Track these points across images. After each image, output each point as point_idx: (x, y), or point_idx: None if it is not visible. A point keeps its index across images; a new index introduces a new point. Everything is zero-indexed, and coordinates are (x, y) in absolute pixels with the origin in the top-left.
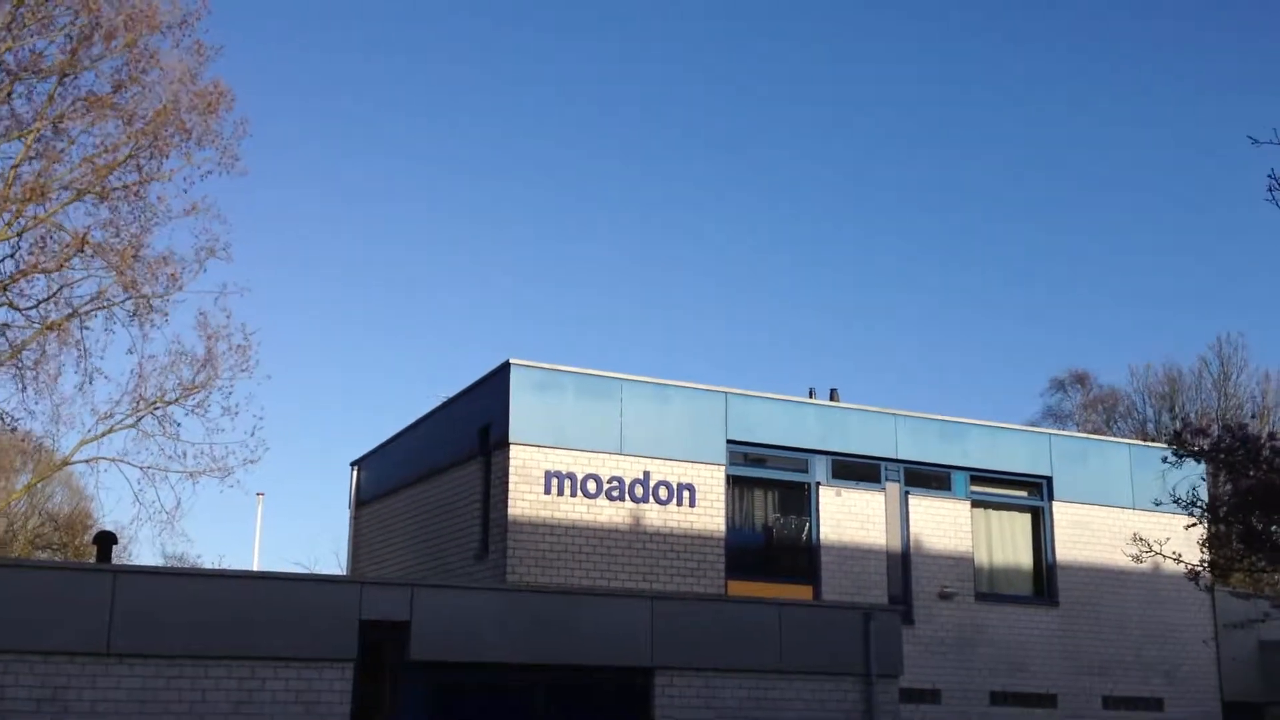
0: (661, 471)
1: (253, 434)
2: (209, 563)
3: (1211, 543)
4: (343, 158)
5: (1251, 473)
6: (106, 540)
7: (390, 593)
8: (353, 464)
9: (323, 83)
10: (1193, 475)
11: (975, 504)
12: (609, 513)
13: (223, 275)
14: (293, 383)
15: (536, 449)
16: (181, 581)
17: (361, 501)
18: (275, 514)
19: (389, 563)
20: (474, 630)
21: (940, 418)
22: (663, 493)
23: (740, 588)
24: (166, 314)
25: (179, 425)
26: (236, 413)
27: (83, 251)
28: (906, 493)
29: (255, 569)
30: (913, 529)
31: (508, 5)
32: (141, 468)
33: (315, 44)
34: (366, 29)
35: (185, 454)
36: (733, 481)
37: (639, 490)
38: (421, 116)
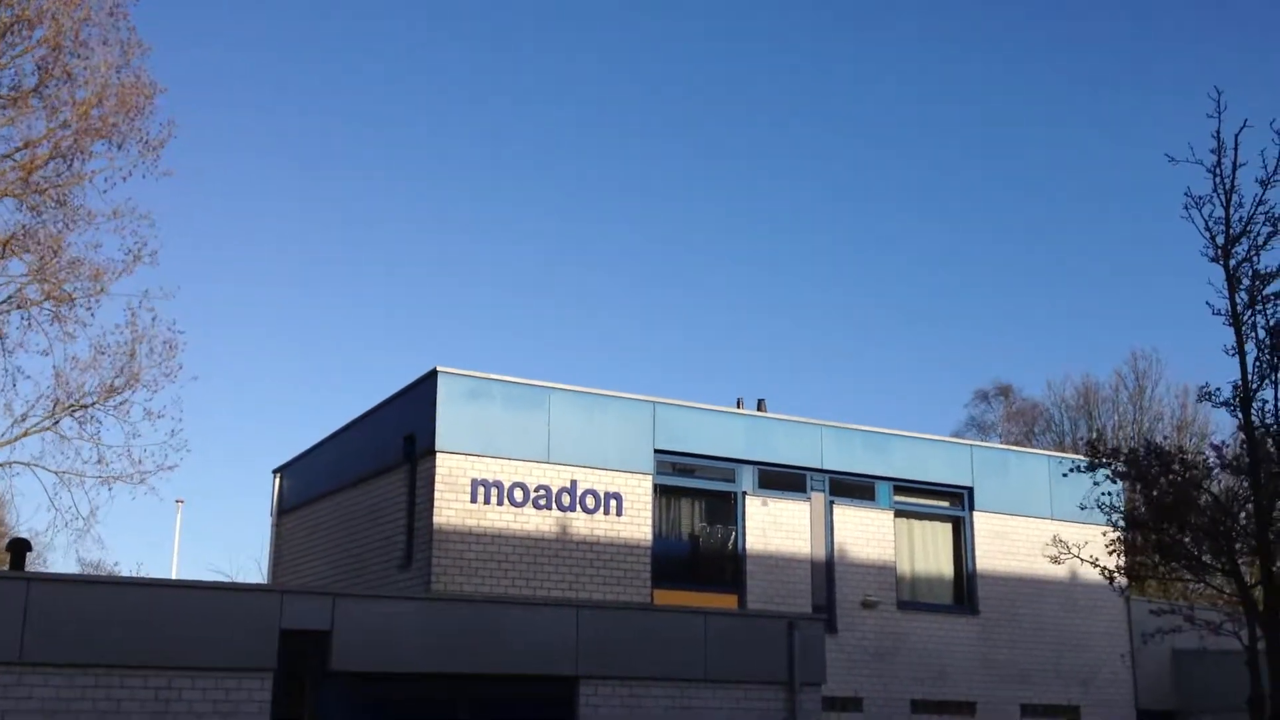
0: (589, 480)
1: (171, 436)
2: (127, 571)
3: (1127, 548)
4: (266, 160)
5: (1164, 481)
6: (20, 547)
7: (311, 602)
8: (275, 471)
9: (250, 84)
10: (1108, 485)
11: (899, 514)
12: (535, 521)
13: (147, 278)
14: (214, 388)
15: (463, 457)
16: (97, 589)
17: (283, 509)
18: (195, 521)
19: (311, 572)
20: (396, 640)
21: (865, 429)
22: (590, 501)
23: (666, 596)
24: (89, 319)
25: (100, 425)
26: (160, 415)
27: (3, 256)
28: (831, 502)
29: (173, 577)
30: (837, 538)
31: (427, 9)
32: (57, 473)
33: (241, 44)
34: (287, 31)
35: (102, 458)
36: (660, 491)
37: (566, 499)
38: (347, 120)
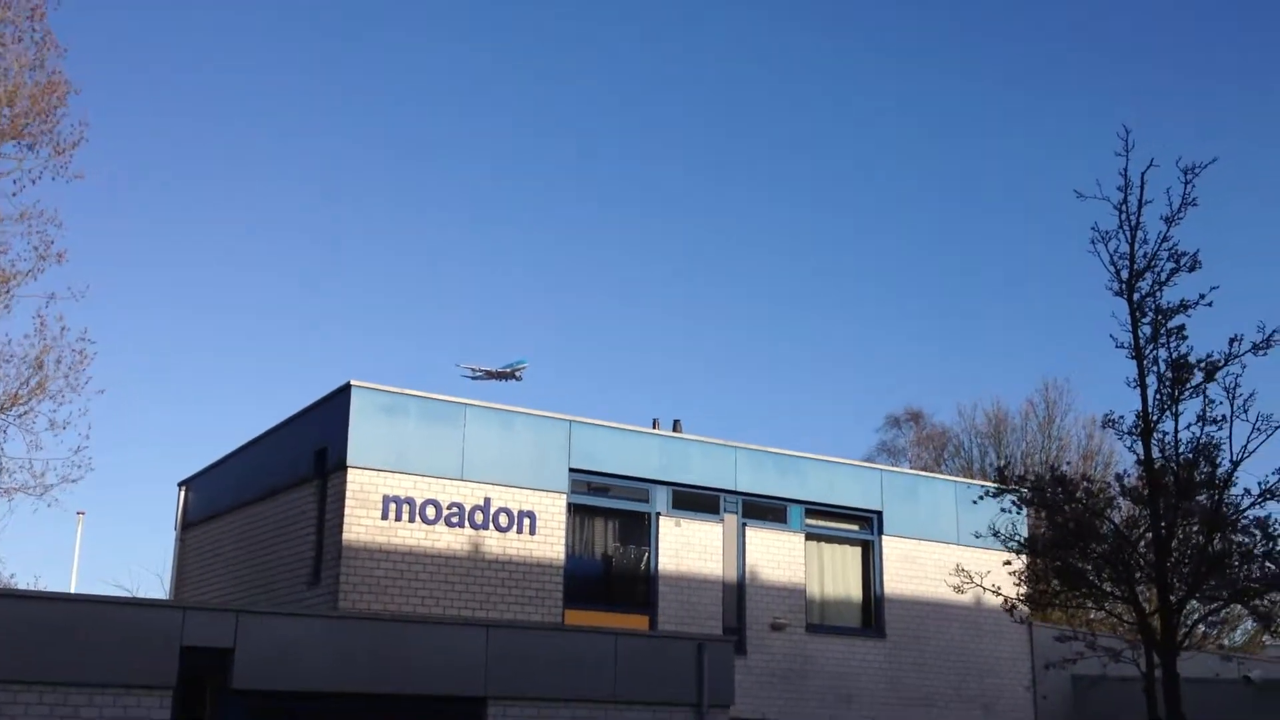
0: (503, 498)
1: (77, 451)
2: (24, 583)
3: (1028, 577)
4: (180, 166)
5: (1067, 509)
6: None
7: (213, 618)
8: (180, 484)
9: (162, 89)
10: (1013, 511)
11: (809, 537)
12: (447, 539)
13: (55, 282)
14: (119, 396)
15: (375, 473)
16: None
17: (188, 523)
18: (96, 534)
19: (215, 588)
20: (301, 658)
21: (778, 451)
22: (503, 519)
23: (578, 616)
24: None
25: (3, 436)
26: (64, 427)
27: None
28: (744, 524)
29: (72, 591)
30: (749, 560)
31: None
32: None
33: (155, 48)
34: (203, 36)
35: (3, 469)
36: (574, 510)
37: (479, 517)
38: (256, 127)
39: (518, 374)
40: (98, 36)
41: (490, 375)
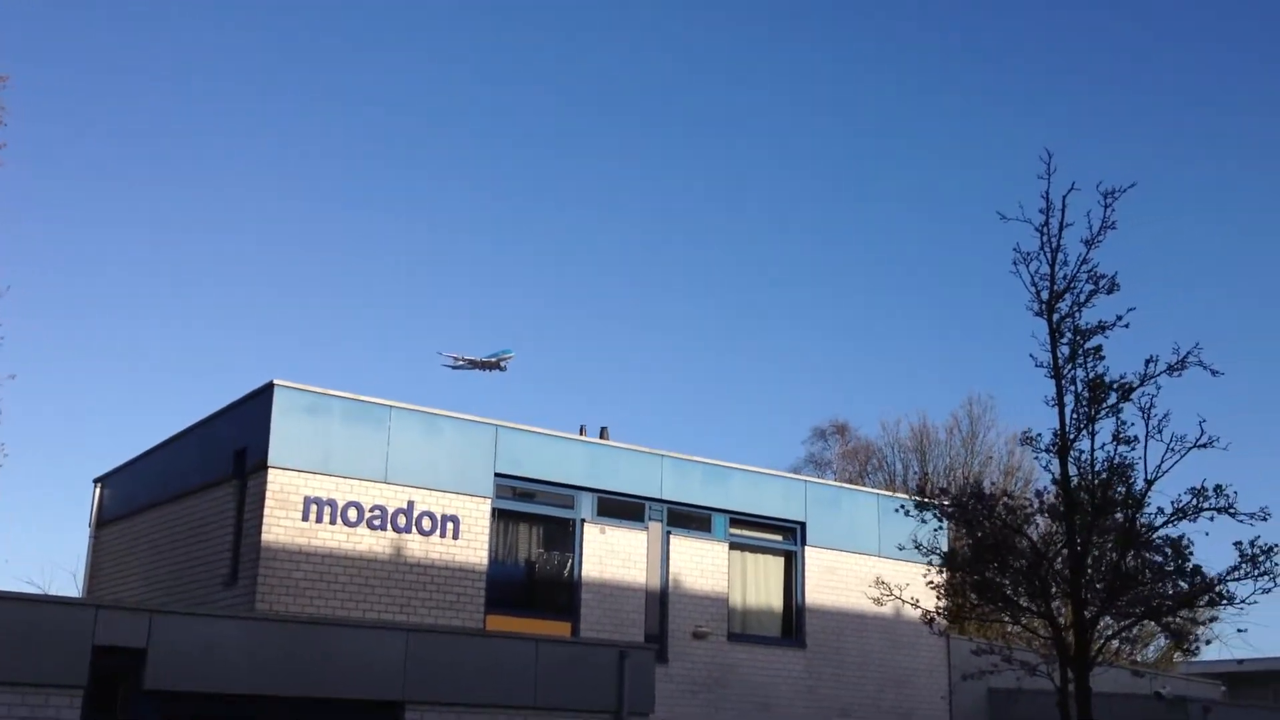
0: (427, 502)
1: None
2: None
3: (947, 590)
4: (103, 156)
5: (986, 524)
6: None
7: (126, 617)
8: (96, 480)
9: (90, 77)
10: (934, 524)
11: (733, 546)
12: (369, 542)
13: None
14: (33, 388)
15: (296, 474)
16: None
17: (103, 521)
18: (9, 529)
19: (130, 586)
20: (216, 659)
21: (704, 460)
22: (426, 523)
23: (500, 622)
24: None
25: None
26: None
27: None
28: (668, 532)
29: None
30: (672, 568)
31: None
32: None
33: (83, 39)
34: (133, 30)
35: None
36: (498, 515)
37: (402, 520)
38: (186, 121)
39: (503, 364)
40: (22, 19)
41: (474, 365)
